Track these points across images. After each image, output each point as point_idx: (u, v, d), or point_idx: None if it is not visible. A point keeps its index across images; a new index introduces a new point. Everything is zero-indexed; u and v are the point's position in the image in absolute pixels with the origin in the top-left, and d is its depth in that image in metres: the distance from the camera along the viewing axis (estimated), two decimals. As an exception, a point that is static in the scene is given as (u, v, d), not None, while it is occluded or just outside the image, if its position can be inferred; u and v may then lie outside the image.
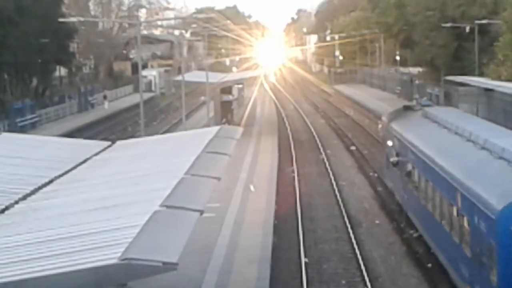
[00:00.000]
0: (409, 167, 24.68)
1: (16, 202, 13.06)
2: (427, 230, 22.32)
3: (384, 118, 32.71)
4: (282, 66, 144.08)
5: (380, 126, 35.39)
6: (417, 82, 72.60)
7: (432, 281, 21.41)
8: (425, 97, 31.67)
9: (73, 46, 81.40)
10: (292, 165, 41.41)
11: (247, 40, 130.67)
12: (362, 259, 23.41)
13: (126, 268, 8.27)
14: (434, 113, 26.46)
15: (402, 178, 26.26)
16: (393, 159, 27.17)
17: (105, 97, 78.05)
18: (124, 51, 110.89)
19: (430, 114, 26.62)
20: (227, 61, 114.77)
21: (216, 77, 59.45)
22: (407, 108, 31.10)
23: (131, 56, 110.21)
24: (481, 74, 54.94)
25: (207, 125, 43.27)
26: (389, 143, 28.99)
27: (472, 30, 56.79)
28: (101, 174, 15.32)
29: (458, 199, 17.74)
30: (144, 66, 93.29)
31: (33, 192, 13.84)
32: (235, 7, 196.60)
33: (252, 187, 33.15)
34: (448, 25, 59.04)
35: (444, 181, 19.31)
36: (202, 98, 65.09)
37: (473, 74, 55.46)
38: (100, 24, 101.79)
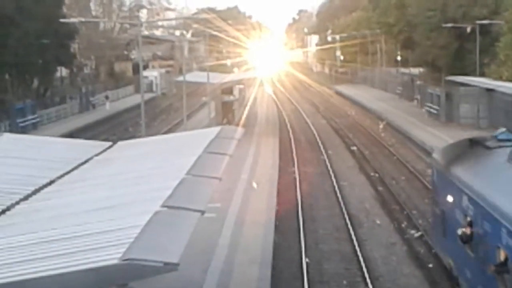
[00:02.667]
0: (501, 254, 14.57)
1: (17, 203, 13.06)
2: None
3: (437, 156, 21.06)
4: (280, 70, 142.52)
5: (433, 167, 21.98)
6: (418, 82, 72.66)
7: (433, 281, 21.42)
8: (503, 129, 19.41)
9: (74, 47, 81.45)
10: (294, 165, 41.43)
11: (242, 42, 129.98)
12: (363, 259, 23.42)
13: (127, 269, 8.27)
14: None
15: (483, 269, 15.52)
16: (463, 231, 16.58)
17: (106, 98, 78.17)
18: (125, 52, 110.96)
19: None
20: (228, 61, 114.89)
21: (217, 78, 59.46)
22: (476, 144, 19.02)
23: (132, 57, 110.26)
24: (482, 75, 54.97)
25: (208, 126, 43.29)
26: (450, 199, 18.23)
27: (473, 30, 56.83)
28: (102, 175, 15.33)
29: None
30: (145, 67, 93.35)
31: (34, 192, 13.84)
32: (236, 7, 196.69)
33: (254, 184, 33.26)
34: (449, 25, 59.05)
35: None
36: (203, 98, 65.11)
37: (474, 75, 55.50)
38: (101, 25, 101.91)
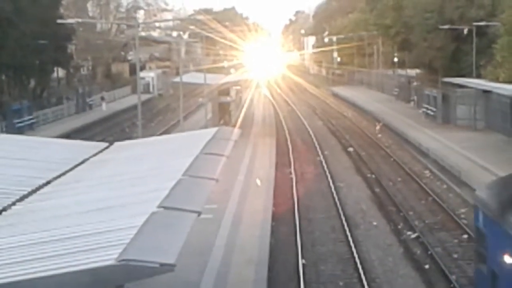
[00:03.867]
0: None
1: (13, 204, 13.04)
2: None
3: (484, 195, 14.57)
4: (277, 72, 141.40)
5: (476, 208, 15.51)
6: (414, 84, 72.69)
7: (429, 282, 21.44)
8: None
9: (71, 48, 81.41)
10: (290, 166, 41.42)
11: (238, 44, 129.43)
12: (360, 260, 23.42)
13: (123, 270, 8.26)
14: None
15: None
16: None
17: (102, 99, 78.07)
18: (122, 53, 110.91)
19: None
20: (225, 63, 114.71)
21: (214, 79, 59.45)
22: None
23: (129, 58, 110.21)
24: (478, 76, 55.03)
25: (205, 127, 43.27)
26: (507, 259, 12.37)
27: (470, 32, 56.87)
28: (98, 176, 15.31)
29: None
30: (142, 68, 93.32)
31: (30, 193, 13.82)
32: (233, 8, 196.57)
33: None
34: (446, 27, 59.09)
35: None
36: (200, 99, 65.11)
37: (470, 76, 55.55)
38: (98, 26, 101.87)
